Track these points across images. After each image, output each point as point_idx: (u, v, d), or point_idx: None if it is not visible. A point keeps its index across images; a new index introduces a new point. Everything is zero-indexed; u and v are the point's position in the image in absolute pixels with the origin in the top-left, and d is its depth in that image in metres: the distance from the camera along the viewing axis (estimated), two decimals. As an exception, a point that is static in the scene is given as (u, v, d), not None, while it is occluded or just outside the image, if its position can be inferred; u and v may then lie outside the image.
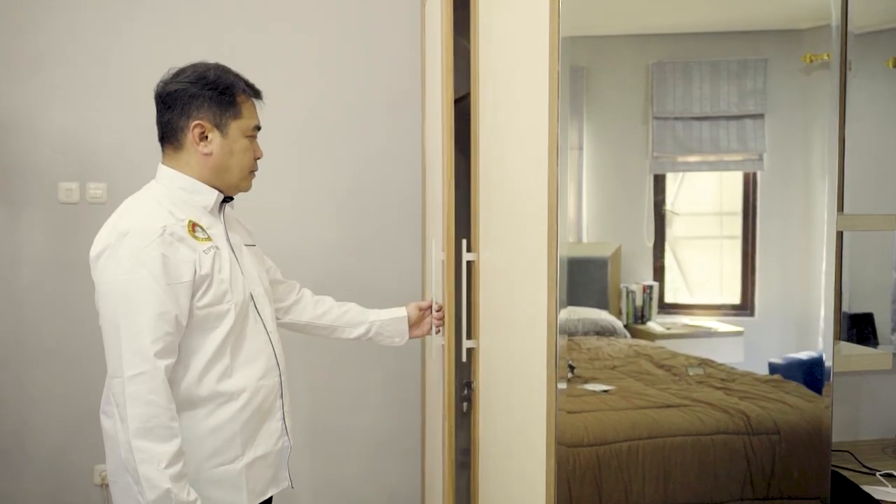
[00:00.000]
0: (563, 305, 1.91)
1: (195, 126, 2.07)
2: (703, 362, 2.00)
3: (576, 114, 1.91)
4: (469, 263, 2.55)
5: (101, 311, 1.96)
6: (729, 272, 2.04)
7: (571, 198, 1.92)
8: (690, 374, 1.99)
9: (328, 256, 3.34)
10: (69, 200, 3.18)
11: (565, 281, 1.91)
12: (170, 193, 2.08)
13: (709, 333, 2.02)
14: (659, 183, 1.99)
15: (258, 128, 2.17)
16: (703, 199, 2.05)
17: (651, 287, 1.98)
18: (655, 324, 1.98)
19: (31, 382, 3.20)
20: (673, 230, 1.99)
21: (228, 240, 2.14)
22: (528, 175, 2.08)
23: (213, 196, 2.11)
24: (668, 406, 1.96)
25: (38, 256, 3.18)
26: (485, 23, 2.42)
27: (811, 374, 2.04)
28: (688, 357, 1.99)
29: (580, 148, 1.93)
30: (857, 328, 2.61)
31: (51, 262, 3.18)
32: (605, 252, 1.98)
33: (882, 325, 2.62)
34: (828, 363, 2.03)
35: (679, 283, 2.01)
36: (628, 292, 1.98)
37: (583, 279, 1.96)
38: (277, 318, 2.44)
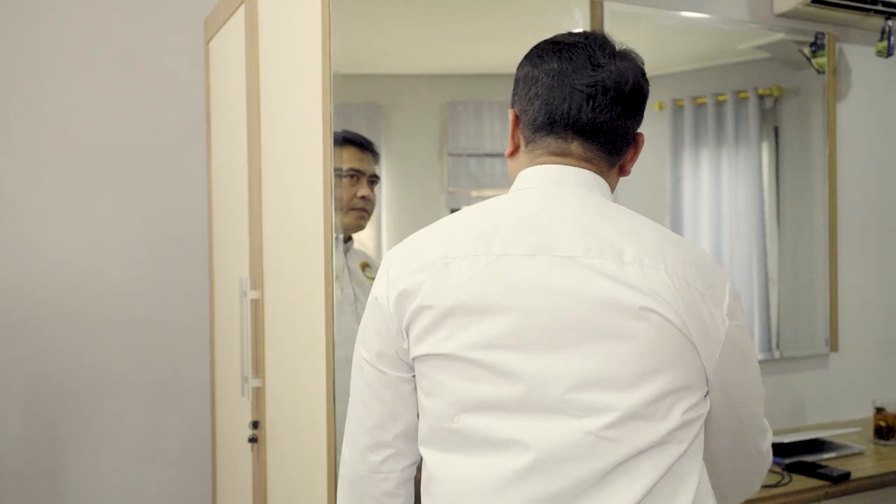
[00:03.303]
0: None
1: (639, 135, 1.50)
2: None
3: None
4: (253, 301, 2.50)
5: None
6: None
7: (371, 232, 1.96)
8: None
9: (116, 294, 3.17)
10: None
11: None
12: None
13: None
14: (455, 217, 2.06)
15: None
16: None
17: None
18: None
19: None
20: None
21: None
22: (307, 213, 2.06)
23: None
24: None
25: None
26: (265, 55, 2.39)
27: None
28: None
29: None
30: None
31: None
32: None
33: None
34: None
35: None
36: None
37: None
38: None
